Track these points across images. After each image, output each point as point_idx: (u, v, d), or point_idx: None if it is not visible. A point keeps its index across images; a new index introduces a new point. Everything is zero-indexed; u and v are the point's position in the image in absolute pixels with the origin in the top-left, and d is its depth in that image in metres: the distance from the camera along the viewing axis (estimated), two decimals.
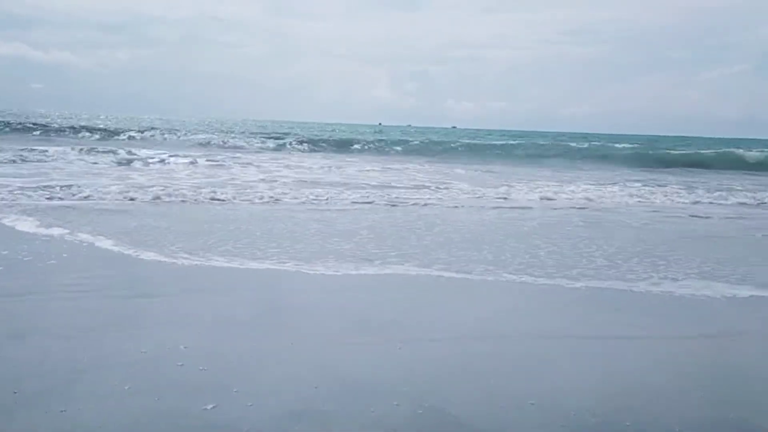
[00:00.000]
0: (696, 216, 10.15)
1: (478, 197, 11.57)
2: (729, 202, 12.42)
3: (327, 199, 10.22)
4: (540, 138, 43.84)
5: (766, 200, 12.93)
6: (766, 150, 30.59)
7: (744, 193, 14.35)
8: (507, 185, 13.77)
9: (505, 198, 11.60)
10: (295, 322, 4.03)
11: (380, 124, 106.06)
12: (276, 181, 13.11)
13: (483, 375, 3.29)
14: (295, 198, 10.25)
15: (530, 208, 10.37)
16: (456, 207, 10.09)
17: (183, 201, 9.49)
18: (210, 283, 4.92)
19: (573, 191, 13.09)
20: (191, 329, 3.80)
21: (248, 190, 10.91)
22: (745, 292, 5.11)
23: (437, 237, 7.10)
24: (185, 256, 5.67)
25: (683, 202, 12.16)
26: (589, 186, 14.38)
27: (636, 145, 35.18)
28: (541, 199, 11.69)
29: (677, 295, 4.95)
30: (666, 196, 13.08)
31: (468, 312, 4.37)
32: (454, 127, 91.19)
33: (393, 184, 13.50)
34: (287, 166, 17.51)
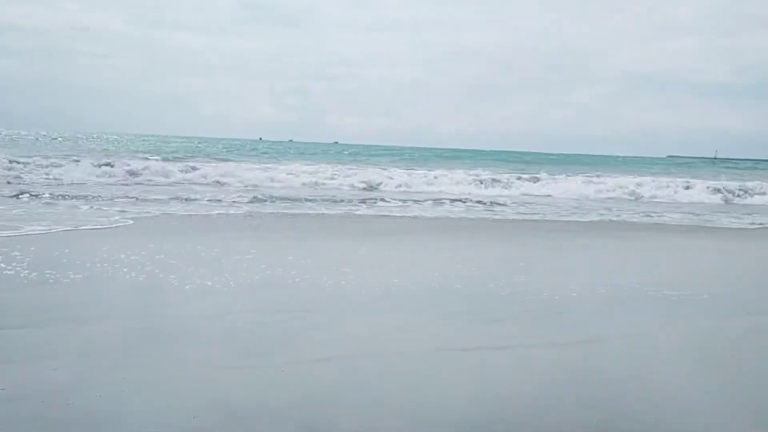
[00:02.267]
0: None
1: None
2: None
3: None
4: (416, 152, 45.96)
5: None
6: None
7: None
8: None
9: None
10: (171, 349, 3.85)
11: (261, 138, 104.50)
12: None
13: (370, 393, 3.30)
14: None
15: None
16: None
17: None
18: (78, 311, 4.59)
19: None
20: (56, 361, 3.53)
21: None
22: (607, 299, 5.49)
23: (312, 252, 7.07)
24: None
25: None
26: None
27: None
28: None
29: (547, 304, 5.21)
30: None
31: (353, 330, 4.37)
32: (336, 143, 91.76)
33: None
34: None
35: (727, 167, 40.39)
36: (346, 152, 37.50)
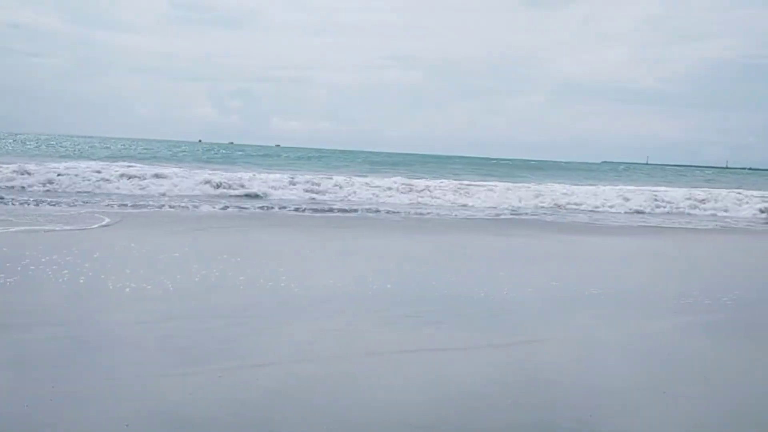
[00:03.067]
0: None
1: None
2: None
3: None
4: (359, 156, 46.18)
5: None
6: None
7: None
8: None
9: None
10: (105, 356, 3.71)
11: (200, 141, 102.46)
12: None
13: (312, 398, 3.26)
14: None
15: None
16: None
17: None
18: (6, 317, 4.38)
19: None
20: None
21: None
22: (545, 300, 5.60)
23: (256, 258, 6.97)
24: None
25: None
26: None
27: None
28: None
29: (486, 306, 5.28)
30: None
31: (293, 334, 4.32)
32: (278, 146, 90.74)
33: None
34: None
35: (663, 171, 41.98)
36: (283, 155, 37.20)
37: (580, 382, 3.67)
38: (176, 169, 17.99)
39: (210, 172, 18.25)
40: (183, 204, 12.44)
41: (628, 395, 3.49)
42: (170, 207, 11.89)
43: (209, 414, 3.01)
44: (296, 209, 12.61)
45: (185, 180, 15.88)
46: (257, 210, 12.42)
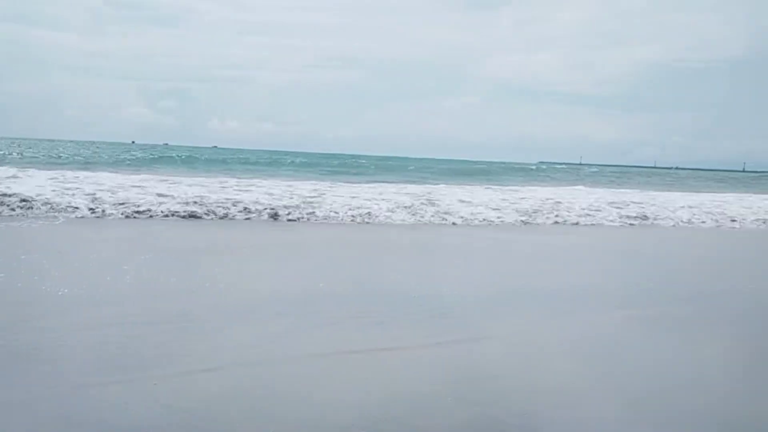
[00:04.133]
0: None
1: None
2: None
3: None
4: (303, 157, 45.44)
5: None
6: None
7: None
8: None
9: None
10: (36, 366, 3.51)
11: (133, 142, 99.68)
12: None
13: (258, 402, 3.17)
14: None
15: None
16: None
17: None
18: None
19: None
20: None
21: None
22: (489, 298, 5.66)
23: (189, 260, 6.79)
24: None
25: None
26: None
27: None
28: None
29: (431, 305, 5.28)
30: None
31: (237, 338, 4.20)
32: (215, 147, 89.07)
33: None
34: None
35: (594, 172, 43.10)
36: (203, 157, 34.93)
37: (524, 378, 3.70)
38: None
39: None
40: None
41: (570, 389, 3.54)
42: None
43: (147, 423, 2.88)
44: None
45: None
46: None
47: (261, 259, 7.27)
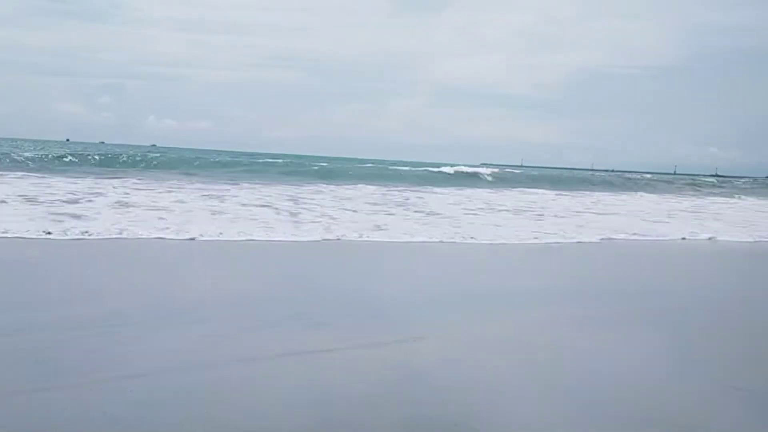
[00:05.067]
0: None
1: None
2: None
3: None
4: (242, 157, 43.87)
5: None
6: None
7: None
8: None
9: None
10: None
11: (68, 140, 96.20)
12: None
13: (187, 408, 3.09)
14: None
15: None
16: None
17: None
18: None
19: None
20: None
21: None
22: (427, 298, 5.70)
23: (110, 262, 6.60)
24: None
25: None
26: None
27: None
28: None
29: (369, 305, 5.28)
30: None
31: (165, 342, 4.09)
32: (154, 146, 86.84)
33: None
34: None
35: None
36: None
37: (462, 377, 3.74)
38: None
39: None
40: None
41: (507, 387, 3.60)
42: None
43: (77, 431, 2.77)
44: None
45: None
46: None
47: (192, 259, 7.11)
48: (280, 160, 34.99)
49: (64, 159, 27.41)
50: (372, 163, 40.82)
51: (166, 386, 3.35)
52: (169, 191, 15.55)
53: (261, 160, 34.48)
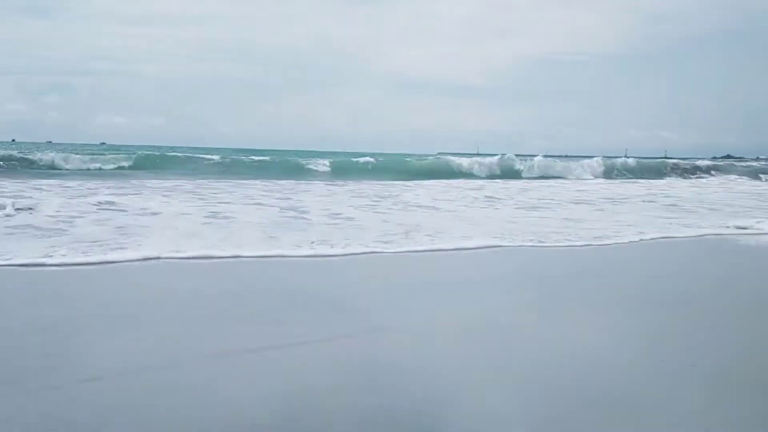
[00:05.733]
0: None
1: None
2: None
3: None
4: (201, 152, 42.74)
5: None
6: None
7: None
8: None
9: None
10: None
11: (14, 140, 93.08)
12: None
13: (146, 410, 3.05)
14: None
15: None
16: None
17: None
18: None
19: None
20: None
21: None
22: (384, 290, 5.72)
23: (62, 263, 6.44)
24: None
25: None
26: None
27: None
28: None
29: (325, 298, 5.27)
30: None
31: (122, 344, 4.01)
32: (103, 143, 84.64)
33: None
34: None
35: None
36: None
37: (422, 367, 3.77)
38: None
39: None
40: None
41: (466, 375, 3.65)
42: None
43: None
44: None
45: None
46: None
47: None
48: (257, 157, 32.32)
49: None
50: (330, 156, 39.73)
51: (122, 389, 3.30)
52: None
53: (235, 158, 32.25)
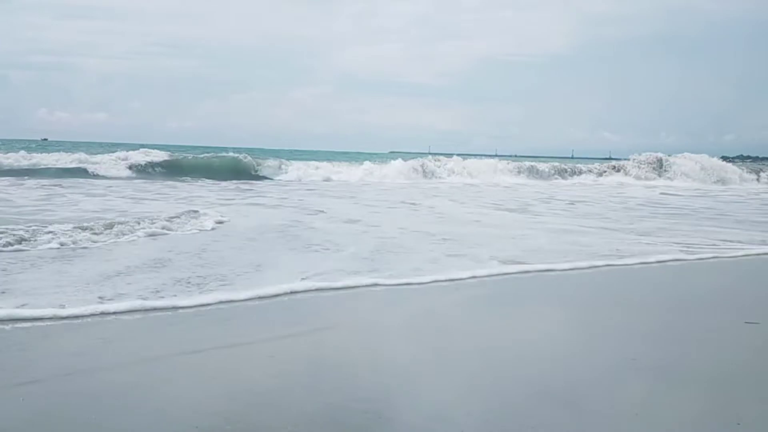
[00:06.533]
0: None
1: None
2: None
3: None
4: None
5: None
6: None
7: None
8: None
9: None
10: None
11: None
12: None
13: (86, 414, 2.97)
14: None
15: None
16: None
17: None
18: None
19: None
20: None
21: None
22: (337, 288, 5.71)
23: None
24: None
25: None
26: None
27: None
28: None
29: (271, 300, 5.22)
30: None
31: (59, 346, 3.91)
32: (45, 140, 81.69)
33: None
34: None
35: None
36: None
37: (369, 364, 3.79)
38: None
39: None
40: None
41: (413, 372, 3.68)
42: None
43: None
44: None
45: None
46: None
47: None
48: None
49: None
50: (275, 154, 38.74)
51: (62, 393, 3.22)
52: None
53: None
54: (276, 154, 41.76)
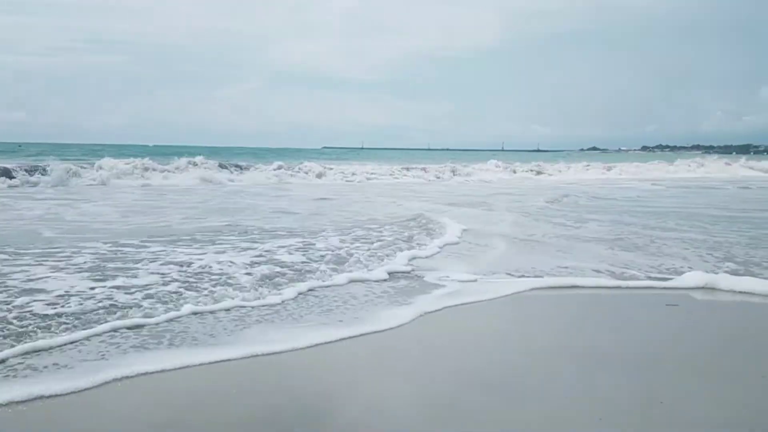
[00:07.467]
0: None
1: None
2: None
3: None
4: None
5: None
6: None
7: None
8: None
9: None
10: None
11: None
12: None
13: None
14: None
15: None
16: None
17: None
18: None
19: None
20: None
21: None
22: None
23: None
24: None
25: None
26: None
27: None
28: None
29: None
30: None
31: None
32: None
33: None
34: None
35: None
36: None
37: (303, 365, 3.78)
38: None
39: None
40: None
41: (350, 370, 3.71)
42: None
43: None
44: None
45: None
46: None
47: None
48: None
49: None
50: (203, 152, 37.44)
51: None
52: None
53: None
54: (214, 152, 40.52)
